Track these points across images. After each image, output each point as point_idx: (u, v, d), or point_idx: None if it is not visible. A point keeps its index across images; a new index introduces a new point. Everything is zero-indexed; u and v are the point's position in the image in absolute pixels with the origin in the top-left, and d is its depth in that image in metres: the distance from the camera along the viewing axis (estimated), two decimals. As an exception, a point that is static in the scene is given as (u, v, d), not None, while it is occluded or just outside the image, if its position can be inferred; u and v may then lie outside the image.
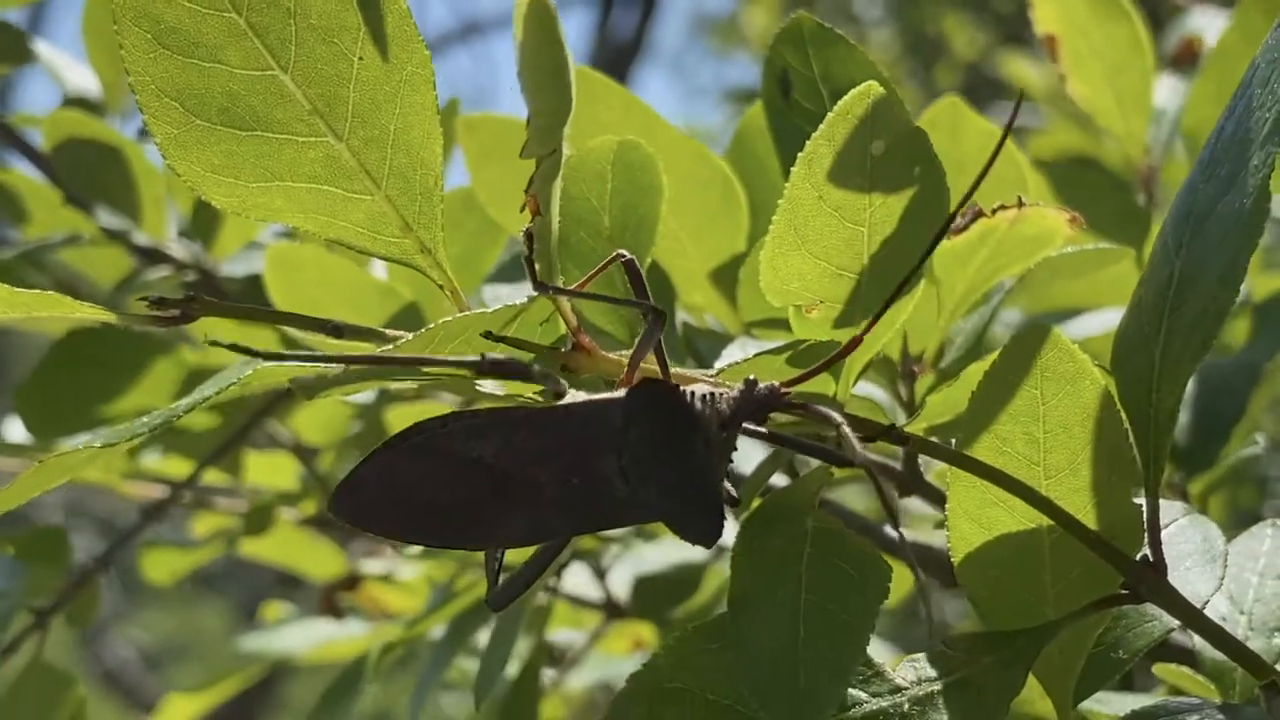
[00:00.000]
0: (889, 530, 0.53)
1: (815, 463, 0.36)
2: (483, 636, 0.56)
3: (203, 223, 0.57)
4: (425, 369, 0.31)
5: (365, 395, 0.56)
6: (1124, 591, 0.33)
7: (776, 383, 0.30)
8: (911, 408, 0.41)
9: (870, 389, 0.41)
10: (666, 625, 0.60)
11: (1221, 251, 0.30)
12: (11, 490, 0.32)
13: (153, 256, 0.57)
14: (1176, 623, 0.34)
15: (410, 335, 0.31)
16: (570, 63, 0.30)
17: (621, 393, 0.30)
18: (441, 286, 0.34)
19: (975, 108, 0.49)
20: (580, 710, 0.84)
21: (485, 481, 0.31)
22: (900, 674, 0.32)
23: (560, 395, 0.31)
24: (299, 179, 0.32)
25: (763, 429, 0.31)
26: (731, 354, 0.37)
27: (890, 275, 0.33)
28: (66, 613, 0.56)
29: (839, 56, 0.41)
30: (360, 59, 0.32)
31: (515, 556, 0.34)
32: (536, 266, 0.31)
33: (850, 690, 0.32)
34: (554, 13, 0.30)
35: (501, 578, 0.34)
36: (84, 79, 0.62)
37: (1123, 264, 0.46)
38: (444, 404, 0.53)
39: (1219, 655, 0.36)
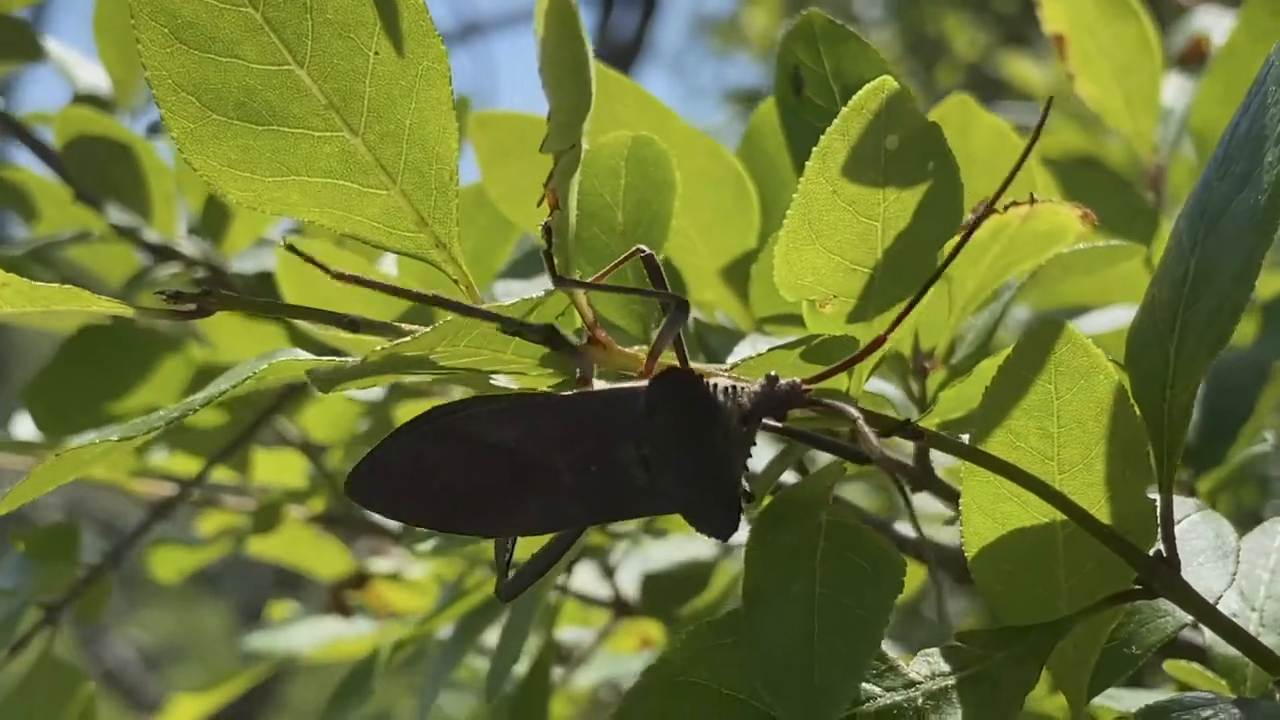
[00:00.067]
0: (897, 527, 0.53)
1: (826, 459, 0.36)
2: (491, 636, 0.56)
3: (212, 219, 0.57)
4: (444, 363, 0.31)
5: (374, 392, 0.56)
6: (1138, 587, 0.33)
7: (797, 379, 0.30)
8: (923, 404, 0.41)
9: (882, 385, 0.41)
10: (674, 623, 0.60)
11: (1236, 248, 0.30)
12: (27, 484, 0.32)
13: (162, 253, 0.57)
14: (1189, 618, 0.34)
15: (424, 329, 0.31)
16: (591, 58, 0.30)
17: (644, 382, 0.30)
18: (456, 281, 0.34)
19: (973, 99, 0.49)
20: (586, 709, 0.84)
21: (504, 467, 0.31)
22: (914, 669, 0.32)
23: (587, 380, 0.31)
24: (315, 173, 0.32)
25: (782, 424, 0.31)
26: (743, 350, 0.37)
27: (904, 270, 0.33)
28: (76, 609, 0.56)
29: (850, 53, 0.41)
30: (376, 54, 0.32)
31: (522, 554, 0.34)
32: (555, 260, 0.31)
33: (864, 685, 0.32)
34: (575, 8, 0.30)
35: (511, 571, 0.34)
36: (94, 76, 0.62)
37: (1131, 262, 0.46)
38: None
39: (1231, 651, 0.36)
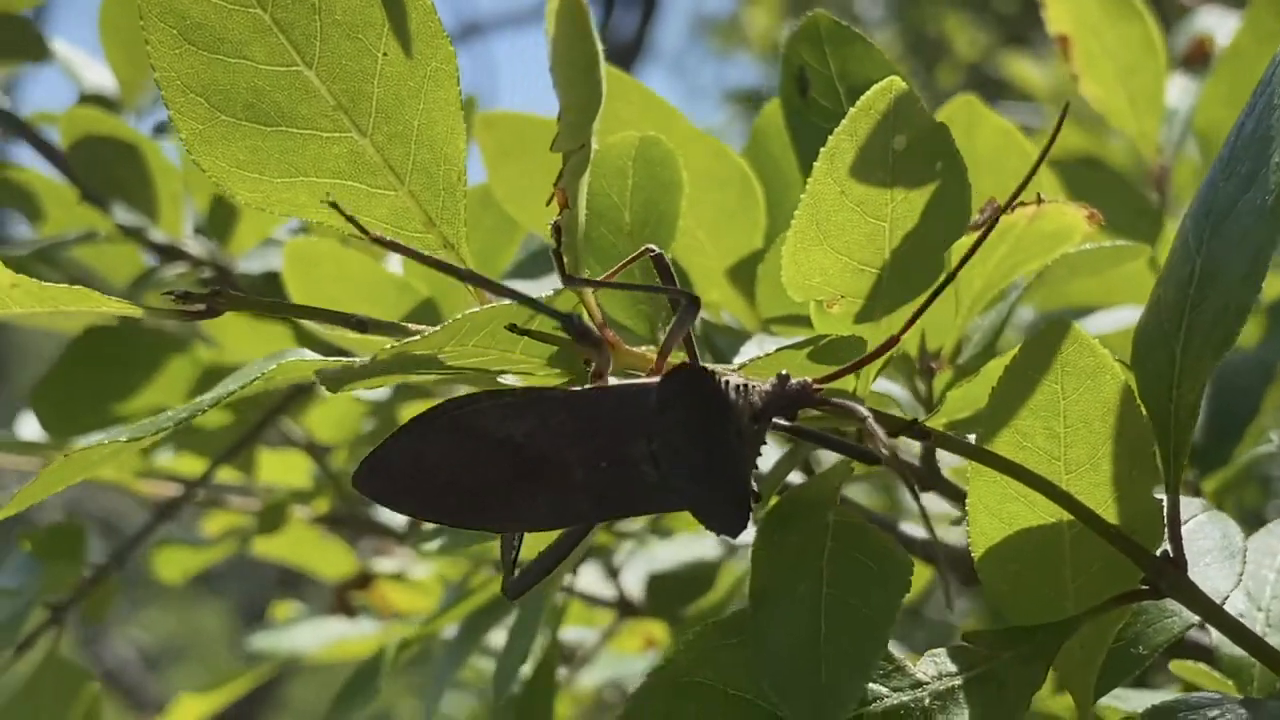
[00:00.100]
0: (903, 527, 0.53)
1: (833, 459, 0.36)
2: (495, 636, 0.56)
3: (219, 219, 0.57)
4: (452, 363, 0.31)
5: (379, 392, 0.56)
6: (1144, 587, 0.33)
7: (808, 379, 0.30)
8: (929, 404, 0.41)
9: (888, 385, 0.41)
10: (679, 623, 0.60)
11: (1243, 249, 0.30)
12: (35, 486, 0.32)
13: (169, 253, 0.57)
14: (1196, 619, 0.34)
15: (433, 329, 0.31)
16: (601, 58, 0.31)
17: (656, 378, 0.30)
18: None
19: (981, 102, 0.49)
20: (590, 708, 0.84)
21: (513, 462, 0.31)
22: (921, 669, 0.32)
23: (602, 375, 0.31)
24: (323, 174, 0.32)
25: (792, 423, 0.31)
26: (750, 350, 0.37)
27: (912, 270, 0.34)
28: (81, 609, 0.56)
29: (855, 54, 0.41)
30: (384, 55, 0.32)
31: (528, 552, 0.35)
32: (565, 259, 0.31)
33: (871, 685, 0.32)
34: (586, 8, 0.30)
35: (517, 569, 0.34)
36: (100, 76, 0.62)
37: (1137, 262, 0.46)
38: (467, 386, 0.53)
39: (1237, 651, 0.36)
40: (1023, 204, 0.38)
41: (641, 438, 0.30)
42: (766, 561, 0.33)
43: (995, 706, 0.32)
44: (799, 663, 0.30)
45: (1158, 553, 0.33)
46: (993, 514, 0.33)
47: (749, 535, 0.33)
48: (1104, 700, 0.36)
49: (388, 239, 0.32)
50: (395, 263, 0.51)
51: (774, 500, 0.35)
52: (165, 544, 0.70)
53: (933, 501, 0.55)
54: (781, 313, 0.42)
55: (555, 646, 0.56)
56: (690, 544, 0.59)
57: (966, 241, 0.37)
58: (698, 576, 0.58)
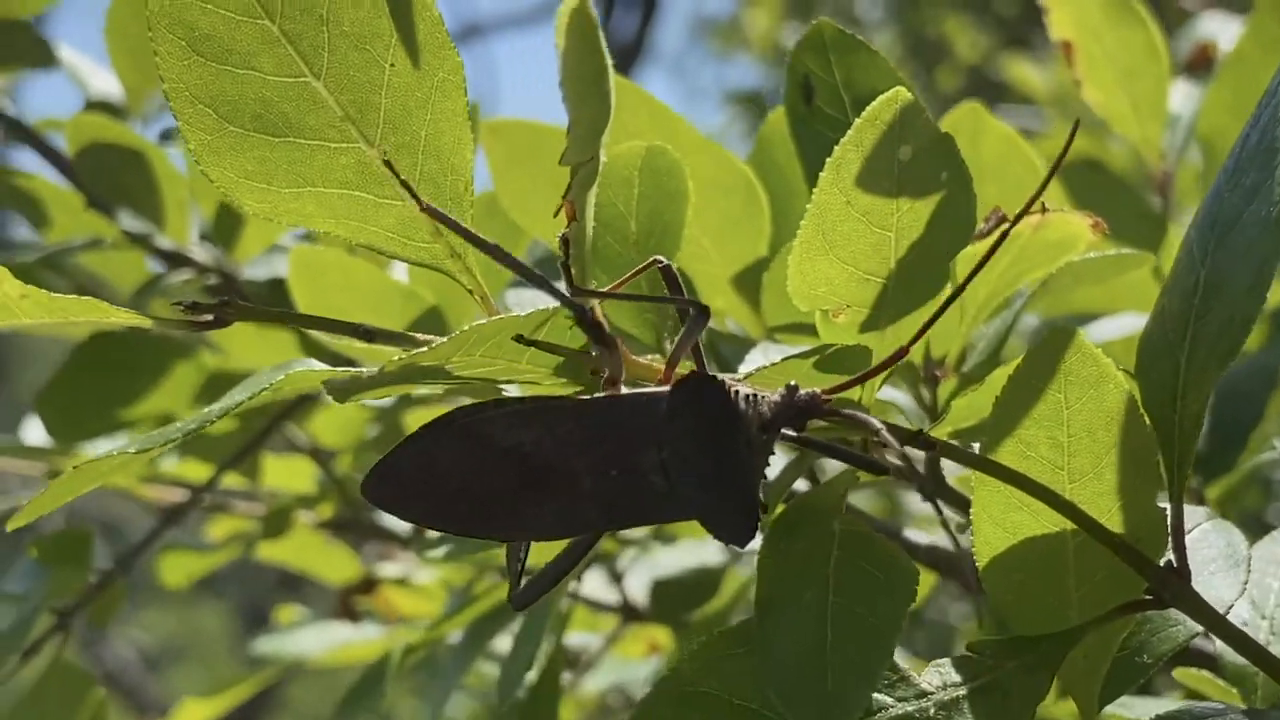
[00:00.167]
0: (907, 533, 0.53)
1: (838, 467, 0.37)
2: (500, 642, 0.56)
3: (225, 226, 0.58)
4: (459, 373, 0.31)
5: (385, 398, 0.56)
6: (1148, 597, 0.33)
7: (817, 390, 0.30)
8: (934, 411, 0.41)
9: (893, 393, 0.41)
10: (683, 629, 0.60)
11: (1248, 260, 0.31)
12: (45, 497, 0.32)
13: (175, 260, 0.57)
14: (1200, 628, 0.34)
15: (440, 339, 0.31)
16: (610, 72, 0.31)
17: (665, 387, 0.31)
18: (471, 291, 0.34)
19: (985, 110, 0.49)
20: (594, 713, 0.85)
21: (521, 471, 0.31)
22: (926, 679, 0.32)
23: (615, 383, 0.31)
24: (331, 185, 0.32)
25: (800, 434, 0.31)
26: (755, 358, 0.38)
27: (917, 280, 0.34)
28: (87, 615, 0.56)
29: (860, 63, 0.41)
30: (392, 65, 0.32)
31: (534, 560, 0.35)
32: (572, 271, 0.31)
33: (876, 695, 0.32)
34: (596, 22, 0.30)
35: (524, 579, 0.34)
36: (106, 83, 0.63)
37: (1141, 270, 0.46)
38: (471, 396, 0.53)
39: (1242, 660, 0.36)
40: (1027, 213, 0.38)
41: (651, 446, 0.30)
42: (772, 569, 0.33)
43: (1000, 716, 0.32)
44: (805, 671, 0.30)
45: (1161, 562, 0.33)
46: (997, 523, 0.33)
47: (754, 542, 0.33)
48: (1109, 709, 0.36)
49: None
50: (401, 270, 0.51)
51: (780, 508, 0.35)
52: (169, 549, 0.70)
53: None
54: (787, 321, 0.42)
55: (560, 652, 0.56)
56: (694, 550, 0.59)
57: (971, 251, 0.38)
58: (702, 582, 0.58)
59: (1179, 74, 0.70)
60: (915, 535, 0.53)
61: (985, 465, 0.33)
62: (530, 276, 0.31)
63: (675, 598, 0.59)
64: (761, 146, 0.47)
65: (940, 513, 0.30)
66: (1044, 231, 0.38)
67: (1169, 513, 0.33)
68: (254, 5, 0.31)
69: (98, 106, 0.61)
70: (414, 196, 0.31)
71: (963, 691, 0.32)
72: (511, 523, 0.32)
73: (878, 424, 0.29)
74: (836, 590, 0.31)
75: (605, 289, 0.34)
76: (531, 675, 0.53)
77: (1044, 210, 0.38)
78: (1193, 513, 0.36)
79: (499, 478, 0.31)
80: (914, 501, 0.75)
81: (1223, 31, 0.78)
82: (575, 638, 0.71)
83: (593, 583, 0.64)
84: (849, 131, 0.32)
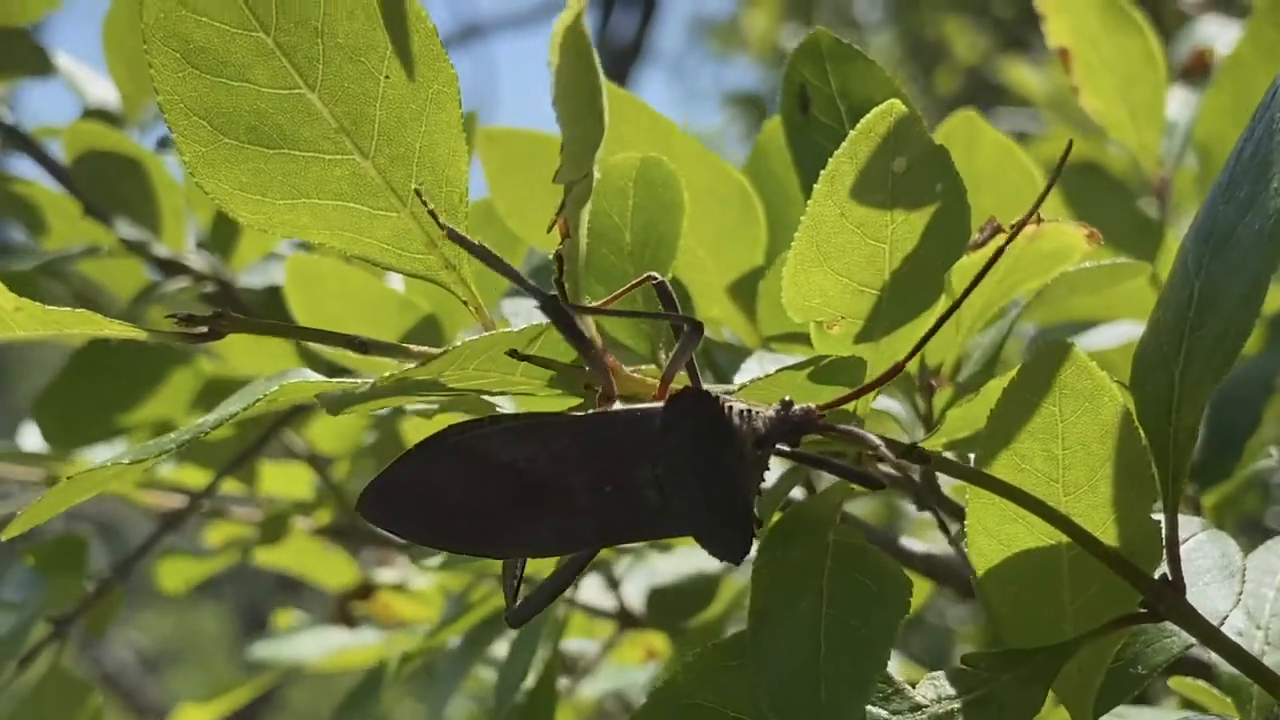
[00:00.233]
0: (903, 541, 0.53)
1: (833, 477, 0.37)
2: (498, 647, 0.56)
3: (222, 234, 0.58)
4: (453, 385, 0.31)
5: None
6: (1143, 610, 0.33)
7: (812, 405, 0.30)
8: (929, 421, 0.41)
9: (888, 403, 0.41)
10: (680, 636, 0.60)
11: (1241, 273, 0.31)
12: (40, 506, 0.32)
13: (171, 268, 0.57)
14: (1195, 640, 0.34)
15: (436, 351, 0.31)
16: (604, 89, 0.31)
17: (660, 403, 0.31)
18: (465, 302, 0.34)
19: (979, 114, 0.49)
20: (591, 719, 0.85)
21: (517, 487, 0.31)
22: (920, 692, 0.32)
23: (609, 398, 0.31)
24: (325, 196, 0.32)
25: (795, 449, 0.31)
26: (751, 368, 0.38)
27: (911, 292, 0.34)
28: (84, 622, 0.56)
29: (856, 72, 0.41)
30: (387, 77, 0.32)
31: (533, 570, 0.35)
32: (566, 287, 0.31)
33: (870, 708, 0.32)
34: (590, 41, 0.30)
35: (522, 591, 0.34)
36: (103, 91, 0.63)
37: (1138, 277, 0.46)
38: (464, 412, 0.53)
39: (1236, 671, 0.36)
40: (1022, 225, 0.38)
41: (646, 462, 0.30)
42: (767, 580, 0.33)
43: (994, 728, 0.32)
44: (798, 682, 0.31)
45: (1156, 575, 0.33)
46: (991, 535, 0.33)
47: (750, 554, 0.33)
48: (1103, 719, 0.36)
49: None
50: (397, 280, 0.51)
51: (776, 516, 0.35)
52: (167, 554, 0.70)
53: (931, 517, 0.55)
54: (782, 330, 0.42)
55: (557, 658, 0.56)
56: (690, 557, 0.59)
57: (966, 262, 0.38)
58: (698, 589, 0.58)
59: (1176, 80, 0.70)
60: (911, 543, 0.53)
61: (980, 479, 0.33)
62: (527, 289, 0.30)
63: (672, 604, 0.59)
64: (758, 155, 0.47)
65: (942, 521, 0.30)
66: (1039, 242, 0.38)
67: (1164, 525, 0.33)
68: (248, 18, 0.31)
69: (95, 114, 0.61)
70: (435, 219, 0.31)
71: (957, 705, 0.32)
72: (508, 540, 0.32)
73: (875, 439, 0.29)
74: (830, 602, 0.32)
75: (600, 301, 0.34)
76: (529, 681, 0.53)
77: (1039, 220, 0.38)
78: (1187, 523, 0.36)
79: (495, 494, 0.31)
80: (911, 507, 0.75)
81: (1220, 36, 0.78)
82: (573, 644, 0.71)
83: (590, 589, 0.64)
84: (843, 143, 0.32)
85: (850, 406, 0.35)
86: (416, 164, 0.32)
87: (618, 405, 0.31)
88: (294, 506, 0.66)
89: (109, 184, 0.56)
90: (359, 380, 0.31)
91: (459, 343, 0.30)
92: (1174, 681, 0.41)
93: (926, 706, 0.31)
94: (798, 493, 0.44)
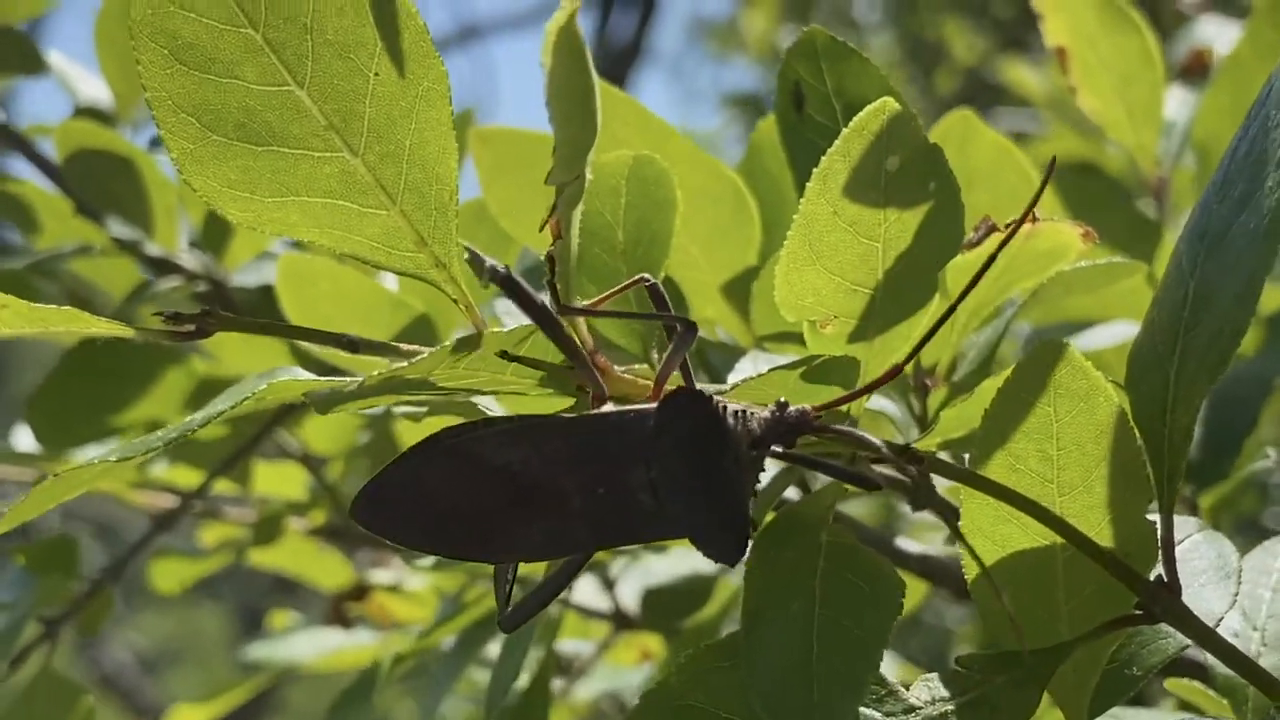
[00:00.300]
0: (898, 542, 0.53)
1: (828, 478, 0.36)
2: (492, 648, 0.56)
3: (214, 233, 0.57)
4: (443, 384, 0.31)
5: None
6: (1138, 612, 0.33)
7: (807, 406, 0.30)
8: (924, 421, 0.41)
9: (883, 402, 0.41)
10: (675, 636, 0.60)
11: (1237, 272, 0.30)
12: (26, 503, 0.32)
13: (164, 267, 0.57)
14: (1190, 641, 0.33)
15: (425, 351, 0.31)
16: (597, 91, 0.30)
17: (652, 405, 0.30)
18: (456, 301, 0.34)
19: (976, 114, 0.49)
20: (587, 720, 0.84)
21: (510, 490, 0.30)
22: (914, 693, 0.32)
23: (602, 400, 0.31)
24: (314, 194, 0.32)
25: (790, 451, 0.31)
26: (744, 368, 0.37)
27: (905, 291, 0.33)
28: (75, 622, 0.56)
29: (852, 71, 0.41)
30: (376, 74, 0.32)
31: (526, 572, 0.34)
32: (558, 288, 0.31)
33: (863, 709, 0.32)
34: (583, 42, 0.30)
35: (516, 594, 0.33)
36: (95, 89, 0.62)
37: (1135, 277, 0.46)
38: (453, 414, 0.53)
39: (1232, 672, 0.36)
40: (1017, 224, 0.38)
41: (639, 464, 0.30)
42: (760, 581, 0.33)
43: (988, 730, 0.31)
44: (791, 682, 0.30)
45: (1152, 576, 0.32)
46: (985, 536, 0.33)
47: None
48: (1099, 720, 0.36)
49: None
50: (390, 279, 0.51)
51: (769, 517, 0.35)
52: (162, 555, 0.70)
53: (927, 515, 0.54)
54: (776, 330, 0.42)
55: (551, 658, 0.55)
56: (685, 558, 0.59)
57: (960, 261, 0.37)
58: (693, 590, 0.58)
59: (1174, 79, 0.70)
60: (907, 544, 0.53)
61: (974, 480, 0.33)
62: (521, 302, 0.30)
63: (667, 605, 0.58)
64: (752, 154, 0.46)
65: (950, 521, 0.30)
66: (1035, 241, 0.38)
67: (1159, 526, 0.33)
68: (237, 14, 0.30)
69: (87, 113, 0.60)
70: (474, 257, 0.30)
71: (951, 707, 0.32)
72: (501, 544, 0.31)
73: (875, 440, 0.29)
74: (823, 602, 0.31)
75: (592, 301, 0.34)
76: (522, 682, 0.52)
77: (1034, 219, 0.37)
78: (1183, 524, 0.35)
79: (488, 498, 0.31)
80: (908, 508, 0.75)
81: (1219, 36, 0.78)
82: (568, 645, 0.71)
83: (585, 590, 0.64)
84: (836, 141, 0.32)
85: (845, 407, 0.35)
86: (406, 161, 0.32)
87: (610, 407, 0.31)
88: (288, 507, 0.65)
89: (101, 183, 0.55)
90: (348, 379, 0.31)
91: (449, 342, 0.30)
92: (1170, 683, 0.41)
93: (920, 708, 0.31)
94: (791, 493, 0.44)
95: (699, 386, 0.31)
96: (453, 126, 0.32)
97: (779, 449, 0.30)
